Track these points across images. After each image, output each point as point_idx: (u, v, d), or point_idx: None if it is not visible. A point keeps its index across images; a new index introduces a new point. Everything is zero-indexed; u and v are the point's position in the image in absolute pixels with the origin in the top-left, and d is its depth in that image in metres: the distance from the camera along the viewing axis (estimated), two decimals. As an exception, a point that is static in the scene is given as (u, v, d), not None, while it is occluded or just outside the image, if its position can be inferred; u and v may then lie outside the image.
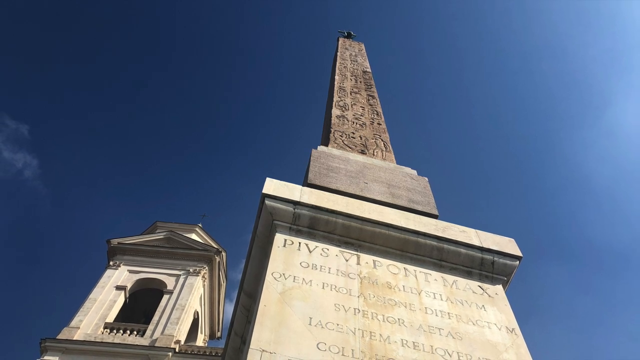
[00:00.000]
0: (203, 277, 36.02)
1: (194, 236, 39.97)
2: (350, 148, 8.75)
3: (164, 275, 34.83)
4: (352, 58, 14.36)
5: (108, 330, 30.10)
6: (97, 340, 29.12)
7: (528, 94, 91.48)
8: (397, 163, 8.68)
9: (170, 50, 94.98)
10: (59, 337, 28.74)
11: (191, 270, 35.41)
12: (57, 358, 27.95)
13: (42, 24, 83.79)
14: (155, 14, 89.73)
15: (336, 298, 4.74)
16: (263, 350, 3.93)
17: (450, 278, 5.55)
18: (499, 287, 5.68)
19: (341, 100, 11.01)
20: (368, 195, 6.75)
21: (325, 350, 4.09)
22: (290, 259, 5.11)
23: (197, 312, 37.09)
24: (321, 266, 5.13)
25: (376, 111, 10.91)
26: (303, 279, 4.87)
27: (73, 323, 29.75)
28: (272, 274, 4.82)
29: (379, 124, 10.30)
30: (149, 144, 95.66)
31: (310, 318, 4.38)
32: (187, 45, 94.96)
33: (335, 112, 10.26)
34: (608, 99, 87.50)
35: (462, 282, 5.55)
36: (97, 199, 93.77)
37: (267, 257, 5.20)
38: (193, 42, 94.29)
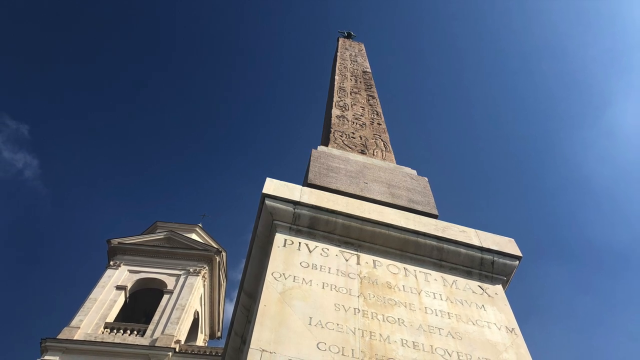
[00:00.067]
0: (203, 277, 36.04)
1: (194, 236, 39.99)
2: (350, 148, 8.76)
3: (164, 275, 34.85)
4: (352, 58, 14.37)
5: (108, 330, 30.11)
6: (98, 340, 29.14)
7: (528, 94, 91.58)
8: (397, 163, 8.69)
9: (170, 50, 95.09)
10: (60, 337, 28.77)
11: (191, 270, 35.42)
12: (58, 358, 27.98)
13: (42, 24, 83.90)
14: (155, 14, 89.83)
15: (336, 298, 4.75)
16: (263, 350, 3.94)
17: (450, 278, 5.55)
18: (499, 287, 5.68)
19: (341, 100, 11.02)
20: (368, 195, 6.76)
21: (325, 350, 4.10)
22: (290, 258, 5.11)
23: (197, 312, 37.11)
24: (321, 266, 5.13)
25: (376, 111, 10.92)
26: (303, 278, 4.87)
27: (73, 323, 29.77)
28: (272, 273, 4.83)
29: (379, 124, 10.31)
30: (149, 144, 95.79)
31: (310, 318, 4.39)
32: (187, 45, 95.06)
33: (335, 112, 10.27)
34: (608, 99, 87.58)
35: (462, 282, 5.56)
36: (97, 199, 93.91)
37: (267, 257, 5.21)
38: (193, 42, 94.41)
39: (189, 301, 33.09)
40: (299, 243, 5.38)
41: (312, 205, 5.66)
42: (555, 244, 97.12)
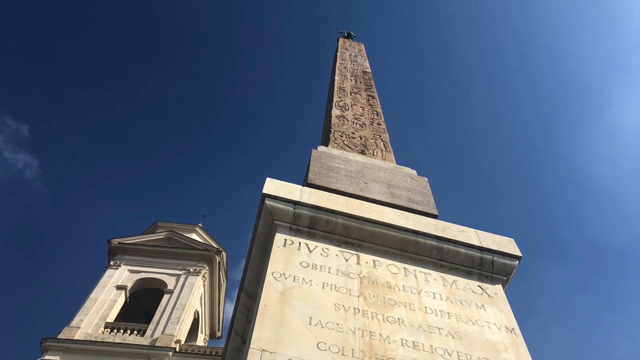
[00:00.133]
0: (203, 276, 36.05)
1: (194, 236, 40.00)
2: (350, 148, 8.77)
3: (164, 275, 34.85)
4: (352, 58, 14.38)
5: (108, 330, 30.12)
6: (98, 340, 29.15)
7: (527, 94, 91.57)
8: (397, 163, 8.70)
9: (170, 50, 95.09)
10: (60, 336, 28.77)
11: (191, 270, 35.44)
12: (58, 358, 27.98)
13: (42, 24, 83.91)
14: (156, 14, 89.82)
15: (336, 298, 4.75)
16: (263, 349, 3.95)
17: (449, 278, 5.56)
18: (499, 287, 5.69)
19: (341, 100, 11.03)
20: (368, 195, 6.77)
21: (325, 349, 4.10)
22: (291, 258, 5.12)
23: (198, 312, 37.12)
24: (321, 266, 5.14)
25: (376, 111, 10.93)
26: (303, 278, 4.88)
27: (74, 323, 29.78)
28: (272, 273, 4.84)
29: (378, 124, 10.32)
30: (149, 144, 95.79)
31: (310, 318, 4.40)
32: (187, 45, 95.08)
33: (335, 112, 10.28)
34: (608, 99, 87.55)
35: (461, 281, 5.56)
36: (97, 199, 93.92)
37: (267, 257, 5.22)
38: (193, 42, 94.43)
39: (189, 301, 33.10)
40: (299, 243, 5.39)
41: (312, 205, 5.67)
42: (555, 244, 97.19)
